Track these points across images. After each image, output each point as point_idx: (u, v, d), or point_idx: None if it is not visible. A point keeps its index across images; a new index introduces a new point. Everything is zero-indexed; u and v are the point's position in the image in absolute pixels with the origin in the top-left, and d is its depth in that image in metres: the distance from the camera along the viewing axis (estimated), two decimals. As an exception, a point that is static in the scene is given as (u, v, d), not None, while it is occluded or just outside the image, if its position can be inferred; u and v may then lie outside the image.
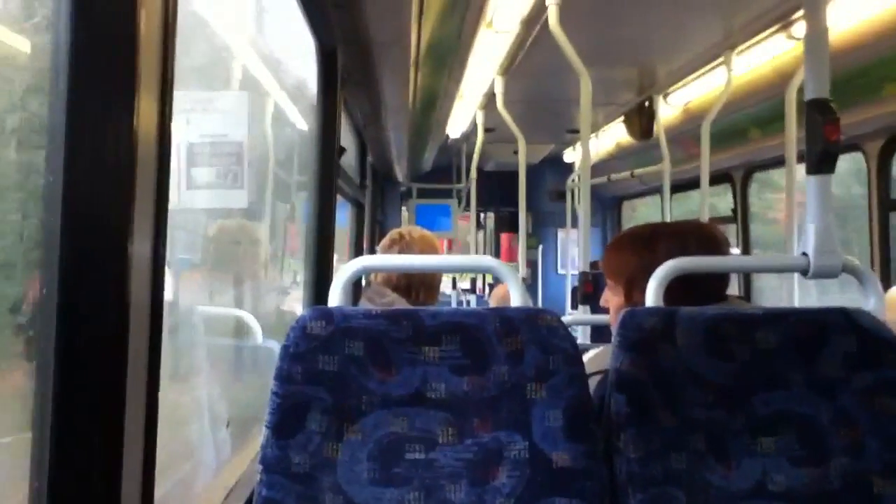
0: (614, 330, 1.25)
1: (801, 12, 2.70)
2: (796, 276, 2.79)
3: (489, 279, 6.76)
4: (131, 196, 0.69)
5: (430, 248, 2.05)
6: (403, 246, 2.02)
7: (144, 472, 0.71)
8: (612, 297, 1.49)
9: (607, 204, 6.92)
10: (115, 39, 0.69)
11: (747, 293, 4.45)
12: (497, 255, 7.55)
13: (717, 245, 1.41)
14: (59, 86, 0.68)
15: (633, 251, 1.45)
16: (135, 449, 0.69)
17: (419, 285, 1.95)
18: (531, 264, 6.71)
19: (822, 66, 1.34)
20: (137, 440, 0.70)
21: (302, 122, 2.30)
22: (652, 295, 1.29)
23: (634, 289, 1.39)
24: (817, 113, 1.33)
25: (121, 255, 0.68)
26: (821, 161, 1.34)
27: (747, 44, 3.18)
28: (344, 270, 1.30)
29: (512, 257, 6.80)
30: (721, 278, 1.41)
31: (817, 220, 1.35)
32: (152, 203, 0.75)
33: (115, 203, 0.68)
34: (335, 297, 1.28)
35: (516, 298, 1.31)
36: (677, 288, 1.32)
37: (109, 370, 0.67)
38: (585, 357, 1.48)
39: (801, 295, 2.86)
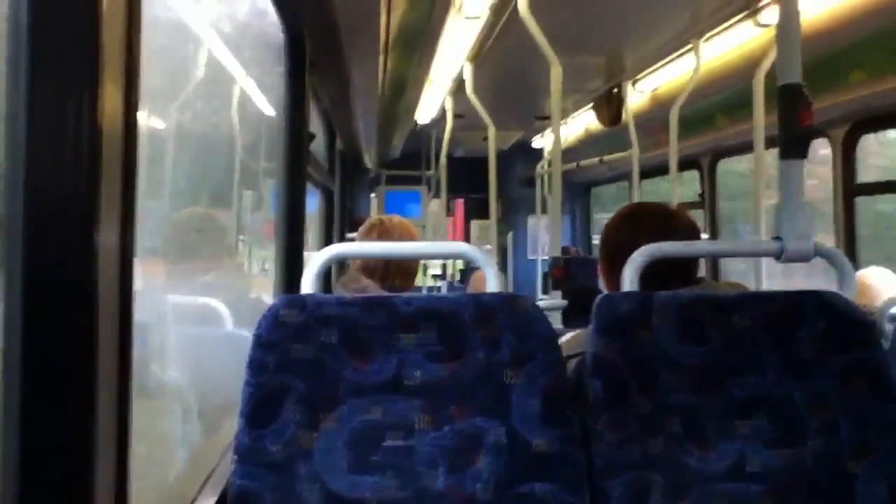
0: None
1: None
2: (764, 260, 2.83)
3: (459, 265, 6.76)
4: (97, 183, 0.66)
5: (408, 235, 2.05)
6: (382, 231, 2.03)
7: (118, 467, 0.69)
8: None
9: (577, 190, 6.95)
10: (76, 19, 0.66)
11: (714, 278, 4.51)
12: (467, 241, 7.53)
13: (687, 230, 1.43)
14: (18, 68, 0.65)
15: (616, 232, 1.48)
16: (108, 443, 0.67)
17: (396, 271, 1.95)
18: (503, 251, 6.72)
19: (793, 51, 1.35)
20: (111, 434, 0.68)
21: (269, 107, 2.25)
22: (627, 280, 1.30)
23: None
24: (790, 98, 1.33)
25: (87, 244, 0.65)
26: (793, 145, 1.35)
27: (715, 30, 3.20)
28: (317, 258, 1.28)
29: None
30: (692, 262, 1.43)
31: (790, 205, 1.36)
32: (119, 190, 0.72)
33: (79, 191, 0.65)
34: (308, 285, 1.26)
35: (492, 284, 1.30)
36: (651, 272, 1.33)
37: (78, 362, 0.65)
38: (560, 340, 1.48)
39: (766, 279, 2.90)
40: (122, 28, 0.72)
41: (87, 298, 0.65)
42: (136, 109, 0.75)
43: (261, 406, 1.11)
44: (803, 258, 1.36)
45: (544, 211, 5.72)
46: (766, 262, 2.94)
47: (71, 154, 0.66)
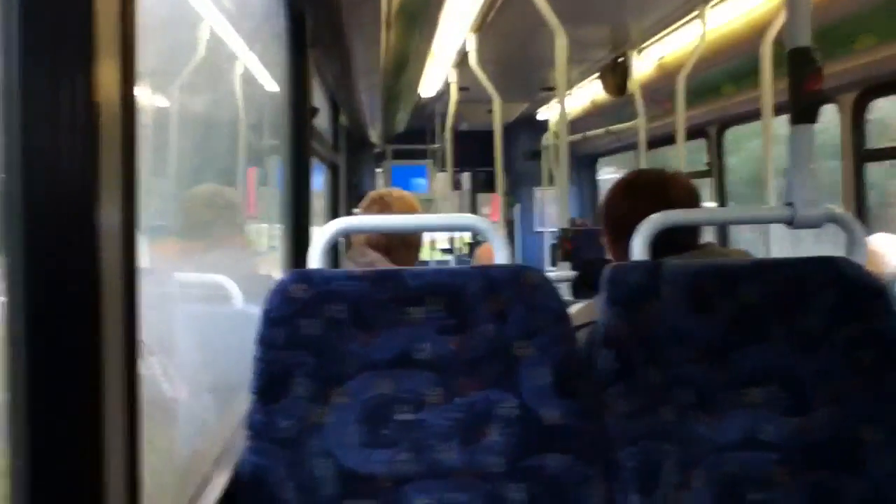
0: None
1: (776, -37, 2.68)
2: (772, 227, 2.81)
3: (466, 239, 6.76)
4: (95, 161, 0.65)
5: (408, 209, 2.05)
6: (383, 206, 2.03)
7: (129, 444, 0.69)
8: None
9: (583, 162, 6.91)
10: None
11: (723, 246, 4.49)
12: (474, 214, 7.51)
13: (689, 196, 1.44)
14: (11, 50, 0.64)
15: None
16: (116, 421, 0.67)
17: (399, 245, 1.95)
18: (509, 223, 6.71)
19: (803, 14, 1.32)
20: (119, 412, 0.67)
21: (271, 84, 2.24)
22: (638, 248, 1.29)
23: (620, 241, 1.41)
24: (799, 62, 1.31)
25: (88, 223, 0.64)
26: (803, 111, 1.33)
27: (722, -4, 3.15)
28: (323, 232, 1.27)
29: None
30: (694, 228, 1.44)
31: (801, 170, 1.34)
32: (119, 168, 0.71)
33: (77, 169, 0.64)
34: (314, 260, 1.26)
35: (501, 256, 1.29)
36: (654, 239, 1.32)
37: (83, 342, 0.64)
38: (570, 311, 1.48)
39: (774, 246, 2.89)
40: (117, 6, 0.71)
41: (90, 278, 0.65)
42: (133, 85, 0.73)
43: (272, 382, 1.11)
44: (815, 224, 1.35)
45: (550, 183, 5.70)
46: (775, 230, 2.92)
47: (67, 132, 0.64)
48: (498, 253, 1.29)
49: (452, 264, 5.92)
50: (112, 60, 0.68)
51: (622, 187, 1.53)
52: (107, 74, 0.67)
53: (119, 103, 0.69)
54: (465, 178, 7.85)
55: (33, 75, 0.63)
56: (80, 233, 0.64)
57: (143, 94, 1.08)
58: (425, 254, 6.32)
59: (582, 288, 2.37)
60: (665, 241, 1.33)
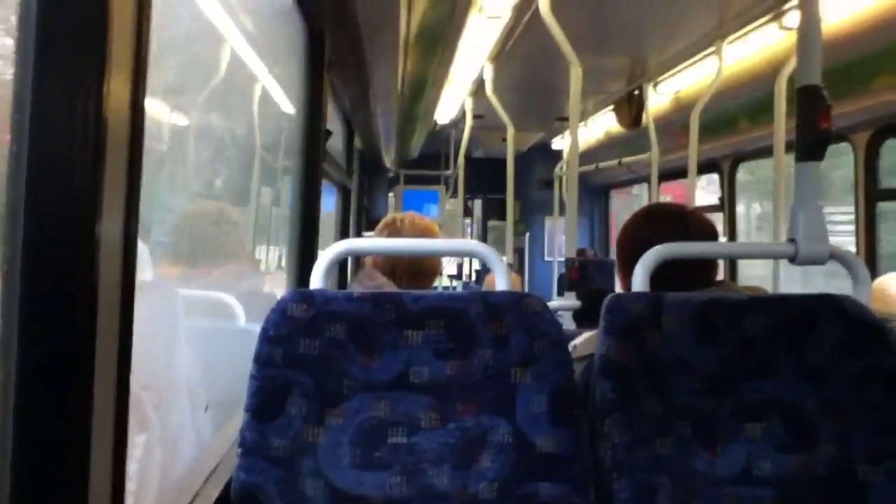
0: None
1: (793, 2, 2.69)
2: (782, 263, 2.79)
3: (475, 265, 6.75)
4: (100, 174, 0.66)
5: (421, 234, 2.00)
6: (392, 231, 2.00)
7: (115, 459, 0.69)
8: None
9: (595, 192, 6.92)
10: (85, 7, 0.67)
11: (732, 280, 4.46)
12: (485, 241, 7.53)
13: (703, 231, 1.42)
14: (26, 59, 0.65)
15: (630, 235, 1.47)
16: (104, 435, 0.67)
17: (406, 271, 1.92)
18: (518, 251, 6.71)
19: (814, 52, 1.33)
20: (107, 425, 0.68)
21: (287, 104, 2.26)
22: (639, 279, 1.28)
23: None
24: (808, 100, 1.32)
25: (88, 235, 0.65)
26: (810, 148, 1.33)
27: (738, 33, 3.17)
28: (326, 253, 1.28)
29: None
30: (710, 264, 1.42)
31: (805, 207, 1.34)
32: (124, 181, 0.72)
33: (82, 180, 0.65)
34: (317, 280, 1.26)
35: (501, 283, 1.29)
36: (665, 274, 1.31)
37: (75, 353, 0.64)
38: (575, 342, 1.47)
39: (786, 282, 2.87)
40: (132, 18, 0.72)
41: (87, 290, 0.65)
42: (143, 102, 0.74)
43: (267, 400, 1.11)
44: (818, 261, 1.34)
45: (562, 213, 5.70)
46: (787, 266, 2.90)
47: (74, 144, 0.65)
48: (499, 280, 1.29)
49: (459, 289, 5.91)
50: (124, 75, 0.70)
51: (642, 217, 1.52)
52: (118, 89, 0.68)
53: (128, 118, 0.71)
54: (477, 205, 7.87)
55: (45, 86, 0.64)
56: (80, 242, 0.65)
57: (160, 110, 1.10)
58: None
59: (584, 317, 2.36)
60: (680, 277, 1.33)
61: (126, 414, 0.71)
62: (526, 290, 6.35)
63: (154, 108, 1.05)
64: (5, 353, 0.62)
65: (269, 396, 1.11)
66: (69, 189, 0.64)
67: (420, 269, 1.94)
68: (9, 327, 0.62)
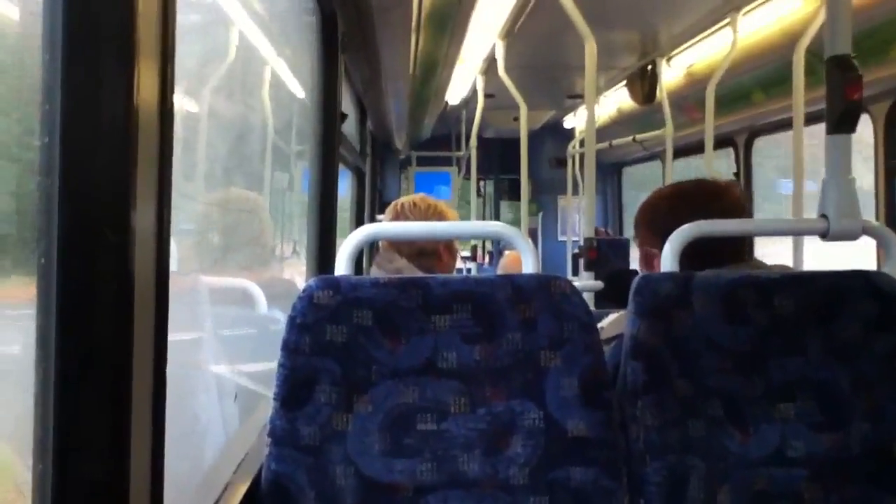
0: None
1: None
2: (806, 239, 2.76)
3: (489, 247, 6.73)
4: (132, 165, 0.66)
5: (422, 218, 1.90)
6: (395, 215, 1.93)
7: (153, 448, 0.68)
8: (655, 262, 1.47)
9: (607, 170, 6.87)
10: (111, 1, 0.66)
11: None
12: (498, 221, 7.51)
13: (735, 207, 1.38)
14: (55, 50, 0.64)
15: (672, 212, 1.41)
16: (142, 425, 0.66)
17: (420, 253, 1.83)
18: (531, 231, 6.68)
19: (843, 21, 1.30)
20: (145, 416, 0.67)
21: (299, 87, 2.25)
22: (668, 259, 1.27)
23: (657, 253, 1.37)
24: (838, 70, 1.28)
25: (123, 224, 0.64)
26: (841, 120, 1.30)
27: (754, 4, 3.11)
28: (350, 239, 1.27)
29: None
30: (740, 240, 1.38)
31: (837, 181, 1.31)
32: (155, 172, 0.71)
33: (114, 172, 0.65)
34: (342, 266, 1.25)
35: (529, 265, 1.28)
36: (696, 251, 1.29)
37: (113, 344, 0.64)
38: (602, 323, 1.46)
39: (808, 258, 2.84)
40: (157, 10, 0.71)
41: (124, 282, 0.65)
42: (171, 92, 0.74)
43: (295, 388, 1.10)
44: (850, 237, 1.32)
45: (575, 192, 5.67)
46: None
47: (106, 137, 0.65)
48: (526, 261, 1.28)
49: (474, 271, 5.91)
50: (152, 65, 0.69)
51: (668, 195, 1.47)
52: (146, 79, 0.67)
53: (157, 107, 0.70)
54: (489, 185, 7.84)
55: (75, 78, 0.64)
56: (114, 235, 0.64)
57: (179, 99, 1.08)
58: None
59: (606, 298, 2.34)
60: (713, 254, 1.30)
61: (163, 406, 0.71)
62: (541, 270, 6.34)
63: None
64: (44, 347, 0.61)
65: (297, 384, 1.11)
66: (102, 181, 0.64)
67: (421, 248, 1.85)
68: (47, 320, 0.61)
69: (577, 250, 2.74)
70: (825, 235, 1.32)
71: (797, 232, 1.87)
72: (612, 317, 1.50)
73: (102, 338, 0.63)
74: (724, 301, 1.19)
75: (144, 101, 0.67)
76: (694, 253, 1.27)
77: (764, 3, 3.09)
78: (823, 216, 1.32)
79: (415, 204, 1.93)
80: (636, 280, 1.21)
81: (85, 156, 0.64)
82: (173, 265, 1.07)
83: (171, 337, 0.75)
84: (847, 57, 1.28)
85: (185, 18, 1.10)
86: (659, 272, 1.28)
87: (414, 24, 2.77)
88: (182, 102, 1.19)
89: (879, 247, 1.34)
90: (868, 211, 3.13)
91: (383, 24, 2.57)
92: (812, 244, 1.36)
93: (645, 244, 1.46)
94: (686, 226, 1.27)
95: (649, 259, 1.43)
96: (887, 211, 3.07)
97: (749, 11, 3.19)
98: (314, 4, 2.06)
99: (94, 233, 0.63)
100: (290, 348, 1.11)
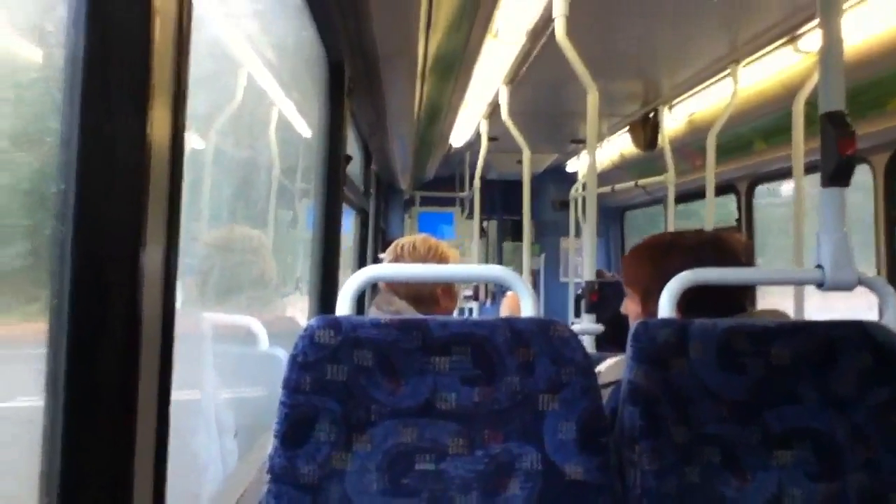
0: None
1: (808, 26, 2.70)
2: (806, 288, 2.78)
3: (492, 287, 6.74)
4: (144, 204, 0.68)
5: (419, 260, 1.88)
6: (395, 258, 1.89)
7: (155, 487, 0.70)
8: (630, 306, 1.48)
9: (610, 214, 6.91)
10: (129, 45, 0.69)
11: (752, 303, 4.43)
12: (500, 263, 7.55)
13: (734, 257, 1.40)
14: (73, 92, 0.67)
15: (649, 260, 1.44)
16: (145, 464, 0.68)
17: (418, 296, 1.80)
18: (534, 273, 6.70)
19: (836, 78, 1.34)
20: (148, 454, 0.69)
21: (307, 130, 2.29)
22: (665, 306, 1.28)
23: (650, 298, 1.38)
24: (832, 126, 1.32)
25: (132, 263, 0.67)
26: (835, 174, 1.33)
27: (753, 56, 3.18)
28: (352, 280, 1.29)
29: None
30: (741, 290, 1.39)
31: (832, 233, 1.34)
32: (165, 211, 0.74)
33: (126, 210, 0.67)
34: (344, 306, 1.27)
35: (528, 308, 1.29)
36: (695, 299, 1.31)
37: (120, 380, 0.66)
38: (600, 368, 1.47)
39: (808, 306, 2.85)
40: (172, 55, 0.74)
41: (132, 319, 0.67)
42: (183, 134, 0.76)
43: (295, 426, 1.12)
44: (846, 287, 1.34)
45: (577, 234, 5.70)
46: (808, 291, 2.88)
47: (119, 177, 0.67)
48: (525, 304, 1.29)
49: (476, 312, 5.91)
50: (165, 110, 0.72)
51: (668, 245, 1.47)
52: (159, 121, 0.70)
53: (168, 152, 0.73)
54: (492, 226, 7.88)
55: (91, 122, 0.66)
56: (124, 273, 0.66)
57: (191, 141, 1.12)
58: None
59: (608, 342, 2.35)
60: (711, 304, 1.32)
61: (166, 444, 0.72)
62: (542, 312, 6.33)
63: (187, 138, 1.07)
64: (54, 383, 0.63)
65: (297, 423, 1.12)
66: (114, 221, 0.66)
67: (418, 295, 1.81)
68: (57, 358, 0.63)
69: (579, 292, 2.75)
70: (821, 285, 1.34)
71: (794, 282, 1.89)
72: (611, 361, 1.51)
73: (109, 376, 0.65)
74: (719, 349, 1.20)
75: (157, 146, 0.70)
76: (693, 302, 1.29)
77: (763, 56, 3.16)
78: (819, 266, 1.34)
79: (415, 246, 1.91)
80: (634, 326, 1.23)
81: (99, 198, 0.66)
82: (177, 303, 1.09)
83: (175, 373, 0.76)
84: (840, 113, 1.32)
85: (200, 64, 1.14)
86: (656, 318, 1.29)
87: (419, 70, 2.83)
88: (192, 142, 1.22)
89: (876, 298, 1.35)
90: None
91: (389, 71, 2.63)
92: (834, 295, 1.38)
93: (635, 290, 1.47)
94: (683, 273, 1.29)
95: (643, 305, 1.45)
96: (889, 260, 3.09)
97: (749, 64, 3.26)
98: (323, 52, 2.12)
99: (104, 274, 0.65)
100: (291, 387, 1.13)
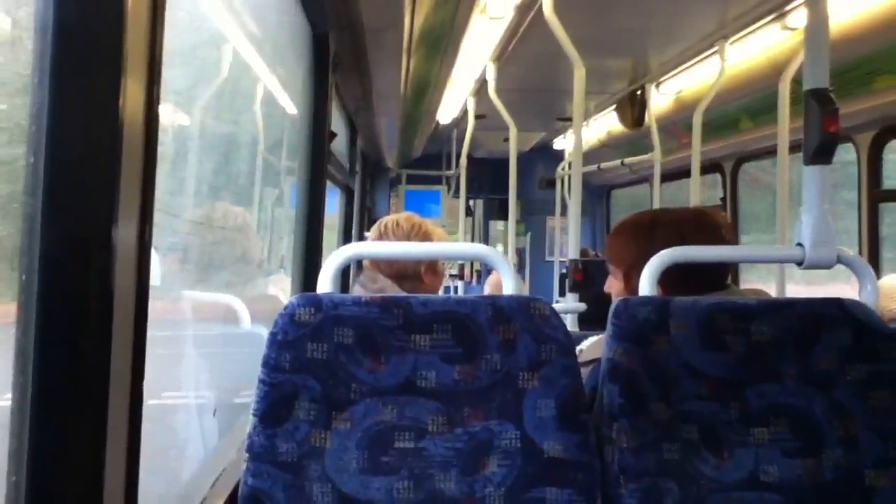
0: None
1: (797, 2, 2.69)
2: (786, 266, 2.80)
3: (477, 266, 6.75)
4: (116, 180, 0.67)
5: (403, 238, 1.87)
6: (379, 235, 1.88)
7: (128, 464, 0.69)
8: (613, 284, 1.48)
9: (597, 193, 6.92)
10: (101, 18, 0.67)
11: (735, 282, 4.46)
12: (486, 242, 7.55)
13: (716, 233, 1.40)
14: (43, 61, 0.66)
15: (632, 238, 1.44)
16: (118, 441, 0.67)
17: (403, 275, 1.80)
18: (520, 252, 6.71)
19: (821, 55, 1.33)
20: (121, 432, 0.68)
21: (291, 105, 2.26)
22: (646, 284, 1.28)
23: (633, 276, 1.38)
24: (816, 103, 1.31)
25: (105, 240, 0.65)
26: (818, 151, 1.33)
27: (741, 34, 3.17)
28: (334, 258, 1.28)
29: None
30: (722, 267, 1.40)
31: (813, 211, 1.34)
32: (139, 188, 0.72)
33: (98, 187, 0.66)
34: (324, 285, 1.26)
35: (509, 287, 1.29)
36: (677, 276, 1.31)
37: (92, 359, 0.65)
38: (581, 346, 1.47)
39: (789, 283, 2.87)
40: (146, 27, 0.73)
41: (104, 294, 0.66)
42: (157, 109, 0.75)
43: (274, 405, 1.11)
44: (826, 265, 1.34)
45: (563, 213, 5.70)
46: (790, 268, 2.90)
47: (91, 151, 0.66)
48: (506, 283, 1.29)
49: (461, 290, 5.92)
50: (138, 82, 0.70)
51: (649, 221, 1.47)
52: (133, 95, 0.69)
53: (142, 124, 0.71)
54: (478, 205, 7.87)
55: (62, 95, 0.65)
56: (96, 249, 0.65)
57: (168, 114, 1.10)
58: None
59: (592, 321, 2.36)
60: (691, 281, 1.32)
61: (139, 420, 0.71)
62: (527, 290, 6.35)
63: (162, 111, 1.05)
64: (23, 361, 0.62)
65: (276, 401, 1.11)
66: (86, 196, 0.65)
67: (402, 272, 1.81)
68: (27, 335, 0.62)
69: (563, 271, 2.75)
70: (801, 263, 1.35)
71: (773, 260, 1.90)
72: (592, 339, 1.51)
73: (80, 353, 0.64)
74: (700, 327, 1.21)
75: (130, 118, 0.69)
76: (675, 279, 1.29)
77: (751, 33, 3.15)
78: (800, 245, 1.35)
79: (398, 224, 1.90)
80: (614, 304, 1.23)
81: (69, 172, 0.65)
82: (156, 281, 1.08)
83: (152, 351, 0.75)
84: (825, 90, 1.32)
85: (179, 36, 1.12)
86: (637, 296, 1.29)
87: (406, 45, 2.80)
88: (172, 117, 1.20)
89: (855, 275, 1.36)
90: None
91: (375, 45, 2.60)
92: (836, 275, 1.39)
93: (617, 267, 1.47)
94: (663, 252, 1.29)
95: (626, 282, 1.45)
96: (870, 238, 3.11)
97: (736, 41, 3.25)
98: (307, 25, 2.09)
99: (75, 249, 0.64)
100: (271, 365, 1.12)
